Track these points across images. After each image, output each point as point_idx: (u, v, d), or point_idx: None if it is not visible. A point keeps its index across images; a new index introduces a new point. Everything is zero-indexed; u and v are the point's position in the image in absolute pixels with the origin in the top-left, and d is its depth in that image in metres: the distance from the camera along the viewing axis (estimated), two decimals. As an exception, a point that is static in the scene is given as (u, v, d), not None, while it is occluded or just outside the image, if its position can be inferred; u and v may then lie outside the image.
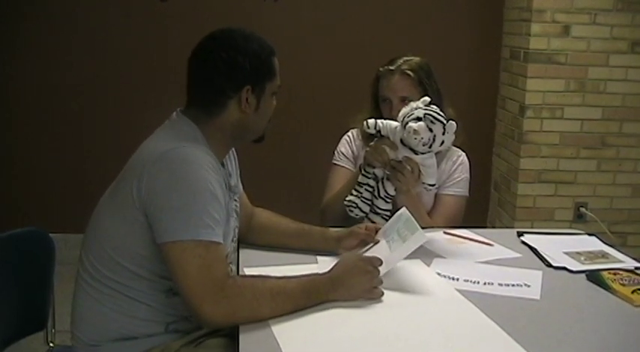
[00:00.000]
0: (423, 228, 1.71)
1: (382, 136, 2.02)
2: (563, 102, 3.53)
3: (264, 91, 1.62)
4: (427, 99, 1.97)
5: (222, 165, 1.67)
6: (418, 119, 1.90)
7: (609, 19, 3.44)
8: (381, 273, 1.60)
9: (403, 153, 1.98)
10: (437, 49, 3.75)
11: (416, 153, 1.96)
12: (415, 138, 1.90)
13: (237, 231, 1.75)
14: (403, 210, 1.82)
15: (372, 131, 2.02)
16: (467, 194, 2.32)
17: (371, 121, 2.02)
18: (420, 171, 1.99)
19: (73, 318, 1.61)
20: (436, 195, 2.29)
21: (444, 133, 1.90)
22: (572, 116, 3.54)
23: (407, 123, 1.92)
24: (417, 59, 2.24)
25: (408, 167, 1.98)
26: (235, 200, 1.74)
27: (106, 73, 3.74)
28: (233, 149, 1.80)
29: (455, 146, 2.29)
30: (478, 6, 3.85)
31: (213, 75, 1.59)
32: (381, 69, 2.24)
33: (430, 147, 1.93)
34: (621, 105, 3.55)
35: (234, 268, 1.68)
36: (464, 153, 2.34)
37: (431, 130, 1.89)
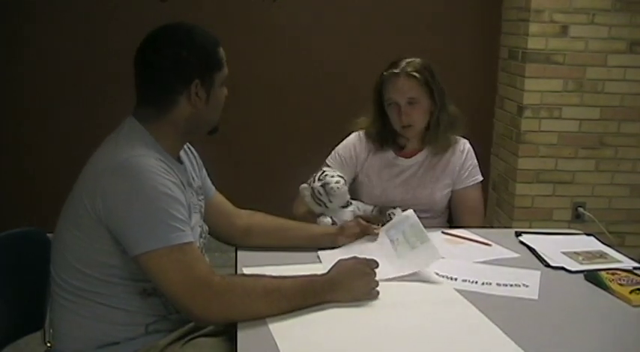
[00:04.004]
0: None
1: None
2: (561, 102, 3.53)
3: (213, 83, 1.59)
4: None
5: (179, 159, 1.66)
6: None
7: (607, 19, 3.45)
8: (390, 276, 1.60)
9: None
10: (435, 49, 3.74)
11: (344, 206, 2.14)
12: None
13: (205, 228, 1.73)
14: (410, 212, 1.85)
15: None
16: (481, 178, 2.37)
17: None
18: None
19: (54, 332, 1.60)
20: (454, 192, 2.33)
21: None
22: (570, 116, 3.55)
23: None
24: (419, 60, 2.23)
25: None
26: (200, 200, 1.72)
27: (105, 73, 3.74)
28: (192, 148, 1.80)
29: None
30: (476, 6, 3.85)
31: (161, 73, 1.56)
32: (384, 73, 2.23)
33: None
34: (619, 105, 3.55)
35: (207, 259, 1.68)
36: (467, 140, 2.37)
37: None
